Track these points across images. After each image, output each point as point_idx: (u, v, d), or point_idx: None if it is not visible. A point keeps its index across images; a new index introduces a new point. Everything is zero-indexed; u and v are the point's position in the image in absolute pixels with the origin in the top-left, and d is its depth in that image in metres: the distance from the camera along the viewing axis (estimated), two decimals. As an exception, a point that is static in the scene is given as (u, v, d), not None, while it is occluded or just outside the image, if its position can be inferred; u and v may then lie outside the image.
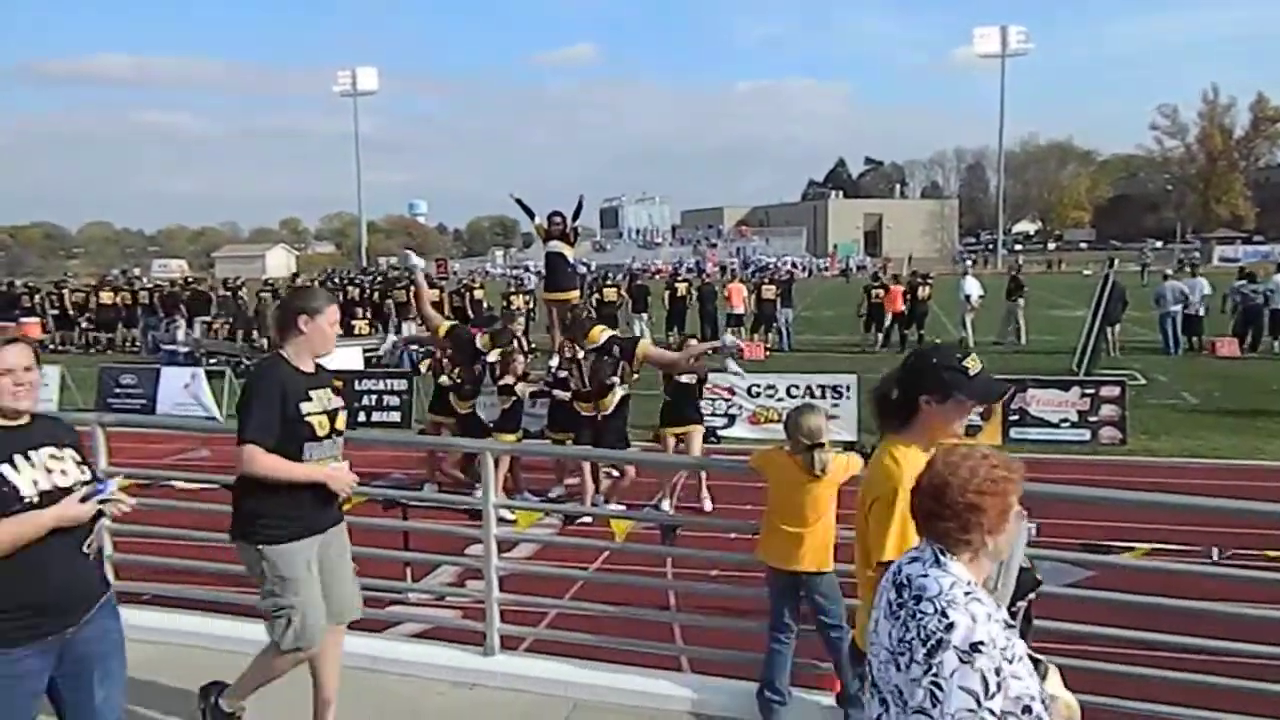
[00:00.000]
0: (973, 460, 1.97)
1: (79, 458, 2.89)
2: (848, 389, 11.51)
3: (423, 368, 10.53)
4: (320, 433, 3.50)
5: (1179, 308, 18.91)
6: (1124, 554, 4.56)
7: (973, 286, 21.21)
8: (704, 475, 8.36)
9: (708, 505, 8.19)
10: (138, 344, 23.08)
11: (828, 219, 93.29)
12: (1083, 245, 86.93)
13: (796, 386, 11.71)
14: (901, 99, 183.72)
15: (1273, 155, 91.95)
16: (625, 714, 4.22)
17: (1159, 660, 3.88)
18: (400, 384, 12.96)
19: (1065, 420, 11.18)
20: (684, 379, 8.52)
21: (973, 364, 2.63)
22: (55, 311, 24.46)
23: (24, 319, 22.72)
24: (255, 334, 19.26)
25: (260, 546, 3.46)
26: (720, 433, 11.47)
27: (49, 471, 2.76)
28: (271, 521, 3.46)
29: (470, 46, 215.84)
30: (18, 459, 2.71)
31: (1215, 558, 6.53)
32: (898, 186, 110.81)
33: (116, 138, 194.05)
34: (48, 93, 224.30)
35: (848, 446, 10.60)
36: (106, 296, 24.17)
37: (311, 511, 3.54)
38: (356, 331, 19.96)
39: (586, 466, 8.22)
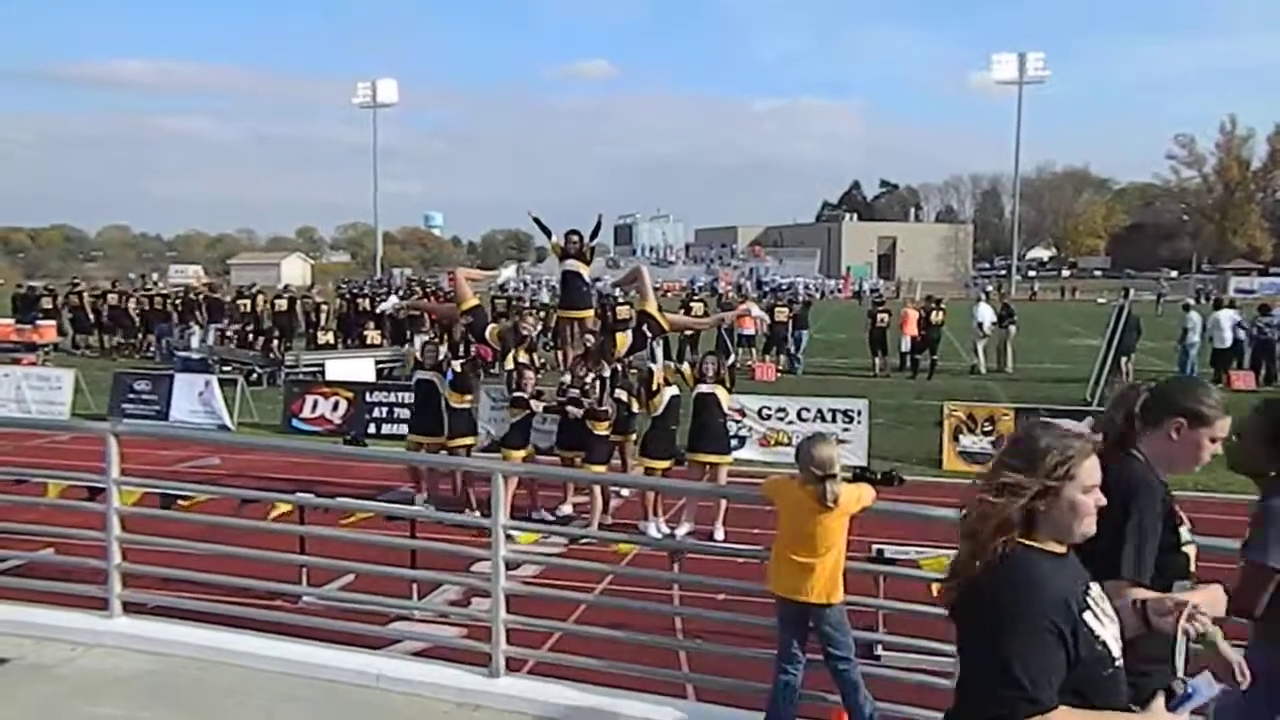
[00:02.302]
0: None
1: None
2: (859, 414, 11.46)
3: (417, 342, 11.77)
4: (1191, 567, 2.68)
5: (1198, 339, 18.78)
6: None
7: (986, 313, 21.13)
8: (723, 505, 8.19)
9: (720, 534, 8.07)
10: (152, 350, 23.22)
11: (841, 241, 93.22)
12: (1097, 273, 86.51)
13: (807, 410, 11.67)
14: (918, 121, 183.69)
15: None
16: (629, 741, 4.18)
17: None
18: (410, 396, 12.98)
19: (1078, 451, 11.06)
20: (714, 407, 8.56)
21: None
22: (71, 315, 24.62)
23: (41, 322, 22.92)
24: (275, 343, 19.35)
25: None
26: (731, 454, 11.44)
27: (1102, 620, 1.99)
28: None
29: (488, 59, 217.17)
30: (1090, 603, 1.96)
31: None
32: (912, 210, 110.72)
33: (136, 142, 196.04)
34: (69, 96, 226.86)
35: (858, 473, 10.62)
36: (113, 299, 24.26)
37: None
38: (369, 343, 20.10)
39: (597, 486, 8.21)
